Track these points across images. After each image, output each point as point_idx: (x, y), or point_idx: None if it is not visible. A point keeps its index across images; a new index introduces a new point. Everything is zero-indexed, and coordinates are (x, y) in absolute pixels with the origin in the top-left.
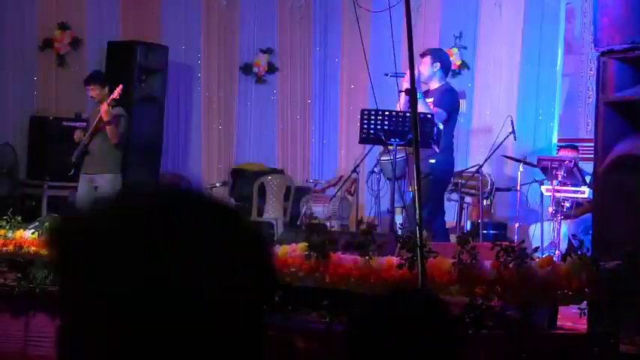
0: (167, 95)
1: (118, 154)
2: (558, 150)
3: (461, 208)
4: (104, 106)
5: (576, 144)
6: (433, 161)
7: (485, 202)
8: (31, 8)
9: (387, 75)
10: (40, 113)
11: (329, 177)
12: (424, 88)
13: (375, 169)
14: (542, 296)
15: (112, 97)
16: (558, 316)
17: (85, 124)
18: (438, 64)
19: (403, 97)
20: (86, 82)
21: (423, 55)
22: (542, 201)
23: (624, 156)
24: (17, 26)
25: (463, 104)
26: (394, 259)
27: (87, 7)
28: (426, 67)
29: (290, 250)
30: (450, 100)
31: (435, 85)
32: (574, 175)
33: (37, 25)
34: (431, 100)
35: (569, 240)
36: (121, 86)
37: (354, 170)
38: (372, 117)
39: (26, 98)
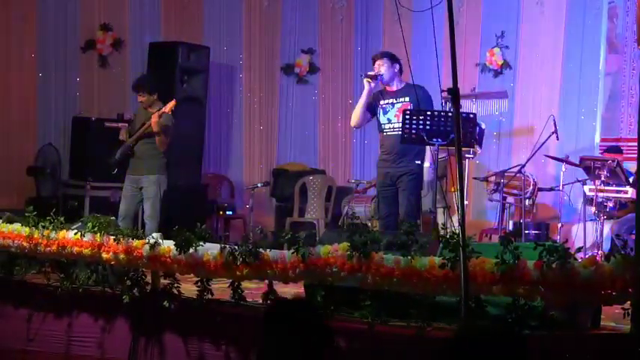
0: (208, 96)
1: (164, 157)
2: (602, 153)
3: (503, 208)
4: (154, 118)
5: (620, 145)
6: (419, 162)
7: (527, 202)
8: (73, 9)
9: (361, 75)
10: (83, 114)
11: (370, 177)
12: (388, 88)
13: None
14: (586, 296)
15: (163, 110)
16: (602, 316)
17: (127, 125)
18: (398, 65)
19: (366, 84)
20: (135, 88)
21: (380, 57)
22: (584, 201)
23: None
24: (60, 27)
25: (505, 104)
26: (436, 259)
27: (129, 8)
28: (386, 68)
29: (332, 250)
30: (430, 99)
31: (397, 85)
32: (617, 175)
33: (80, 26)
34: (406, 99)
35: (612, 240)
36: (174, 102)
37: None
38: (414, 117)
39: (69, 99)
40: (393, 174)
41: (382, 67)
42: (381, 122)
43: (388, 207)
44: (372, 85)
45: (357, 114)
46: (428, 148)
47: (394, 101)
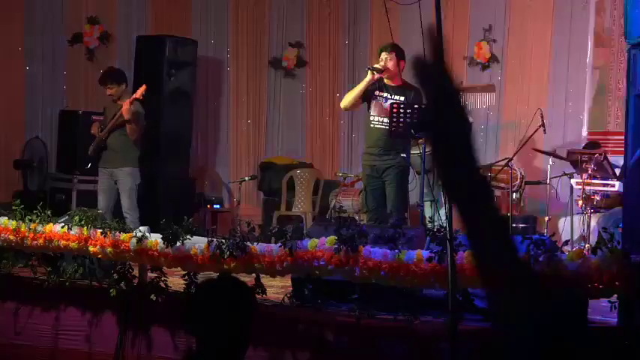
0: (196, 89)
1: (137, 148)
2: (583, 147)
3: None
4: (125, 105)
5: (598, 140)
6: (404, 155)
7: (514, 195)
8: (60, 3)
9: (367, 69)
10: (70, 107)
11: (358, 171)
12: (388, 82)
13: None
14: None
15: (134, 96)
16: (589, 309)
17: (101, 118)
18: (403, 63)
19: (369, 74)
20: (102, 81)
21: (390, 51)
22: (572, 194)
23: None
24: (47, 21)
25: (492, 98)
26: (424, 253)
27: (116, 1)
28: (393, 64)
29: (319, 244)
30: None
31: (397, 81)
32: (604, 168)
33: (67, 19)
34: (400, 98)
35: (600, 233)
36: (144, 86)
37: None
38: (402, 110)
39: (56, 92)
40: (378, 167)
41: (390, 62)
42: (371, 113)
43: (375, 200)
44: (375, 77)
45: (350, 98)
46: None
47: (388, 96)
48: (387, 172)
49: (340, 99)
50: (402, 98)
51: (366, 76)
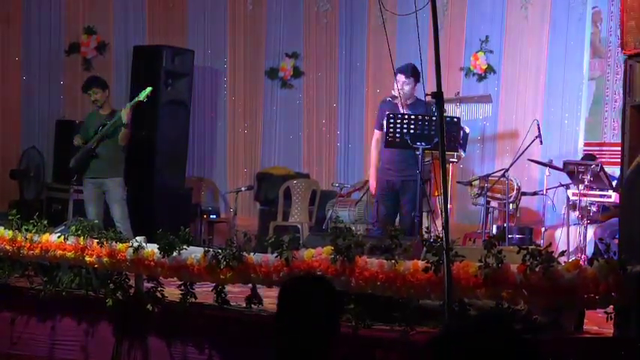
0: (193, 99)
1: (123, 157)
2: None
3: (487, 213)
4: (128, 109)
5: (593, 153)
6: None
7: (510, 206)
8: (58, 13)
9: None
10: (67, 117)
11: (354, 181)
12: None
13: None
14: (569, 300)
15: (138, 99)
16: (585, 320)
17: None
18: (415, 86)
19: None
20: (88, 86)
21: (408, 76)
22: (568, 205)
23: None
24: (44, 31)
25: (489, 108)
26: (420, 263)
27: (113, 11)
28: (409, 88)
29: (316, 254)
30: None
31: (409, 100)
32: (600, 180)
33: (64, 29)
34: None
35: (596, 244)
36: (150, 88)
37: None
38: (399, 121)
39: (53, 102)
40: (394, 182)
41: (407, 86)
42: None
43: (386, 209)
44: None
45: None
46: None
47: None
48: (405, 185)
49: (337, 109)
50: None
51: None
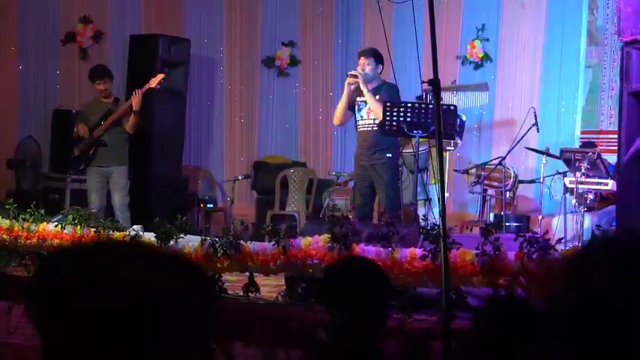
0: (189, 88)
1: (127, 146)
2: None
3: (484, 201)
4: (138, 96)
5: (594, 141)
6: (389, 155)
7: (507, 194)
8: (53, 1)
9: (346, 75)
10: (63, 106)
11: (351, 169)
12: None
13: (398, 162)
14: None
15: (149, 86)
16: None
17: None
18: (381, 67)
19: (347, 86)
20: (97, 76)
21: (368, 56)
22: (565, 193)
23: None
24: (39, 20)
25: (485, 96)
26: (417, 251)
27: (109, 0)
28: (371, 68)
29: (313, 242)
30: (398, 96)
31: (373, 84)
32: (597, 167)
33: (60, 18)
34: (378, 97)
35: (593, 231)
36: (162, 75)
37: None
38: (395, 109)
39: (49, 91)
40: (365, 167)
41: (367, 67)
42: (356, 118)
43: (363, 197)
44: (353, 86)
45: (338, 114)
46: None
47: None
48: (375, 171)
49: (333, 98)
50: (377, 97)
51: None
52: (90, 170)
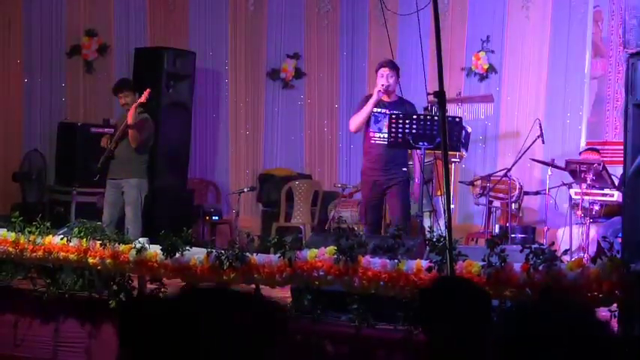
0: (194, 101)
1: (143, 159)
2: (580, 154)
3: (489, 212)
4: (131, 110)
5: (597, 147)
6: (405, 169)
7: (513, 206)
8: (58, 15)
9: (381, 88)
10: (69, 119)
11: (356, 181)
12: (384, 98)
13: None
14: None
15: (139, 100)
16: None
17: (112, 130)
18: (398, 80)
19: (376, 94)
20: (118, 90)
21: (391, 69)
22: (570, 204)
23: None
24: (45, 33)
25: (491, 108)
26: (423, 263)
27: (114, 13)
28: (394, 80)
29: (319, 254)
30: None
31: (393, 97)
32: (603, 179)
33: (65, 31)
34: (399, 111)
35: (599, 243)
36: (148, 90)
37: None
38: (401, 121)
39: (54, 104)
40: (382, 182)
41: (391, 79)
42: (371, 130)
43: (377, 214)
44: (382, 96)
45: (359, 121)
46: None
47: (387, 112)
48: (391, 187)
49: (339, 110)
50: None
51: (371, 95)
52: (107, 183)
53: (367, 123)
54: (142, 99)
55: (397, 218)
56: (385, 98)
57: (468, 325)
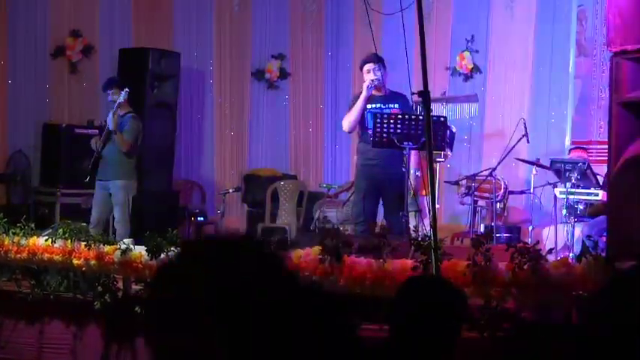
0: (179, 101)
1: (131, 160)
2: (569, 152)
3: (474, 212)
4: (110, 116)
5: (586, 146)
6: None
7: (498, 205)
8: (42, 16)
9: (371, 82)
10: (53, 120)
11: (342, 182)
12: (375, 93)
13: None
14: (558, 297)
15: (117, 101)
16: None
17: (97, 131)
18: (385, 73)
19: (366, 90)
20: (107, 86)
21: (377, 62)
22: (555, 204)
23: (638, 156)
24: (29, 34)
25: (475, 108)
26: (408, 262)
27: (99, 14)
28: (382, 74)
29: (304, 254)
30: (412, 109)
31: (384, 91)
32: (587, 178)
33: (49, 32)
34: (395, 105)
35: (583, 242)
36: (126, 90)
37: None
38: (385, 120)
39: (39, 106)
40: (381, 179)
41: (378, 72)
42: (368, 127)
43: (372, 208)
44: (372, 90)
45: (352, 120)
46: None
47: (382, 106)
48: (391, 183)
49: (323, 111)
50: (397, 105)
51: (361, 92)
52: (96, 184)
53: (362, 123)
54: (120, 100)
55: (392, 215)
56: (376, 93)
57: (440, 326)
